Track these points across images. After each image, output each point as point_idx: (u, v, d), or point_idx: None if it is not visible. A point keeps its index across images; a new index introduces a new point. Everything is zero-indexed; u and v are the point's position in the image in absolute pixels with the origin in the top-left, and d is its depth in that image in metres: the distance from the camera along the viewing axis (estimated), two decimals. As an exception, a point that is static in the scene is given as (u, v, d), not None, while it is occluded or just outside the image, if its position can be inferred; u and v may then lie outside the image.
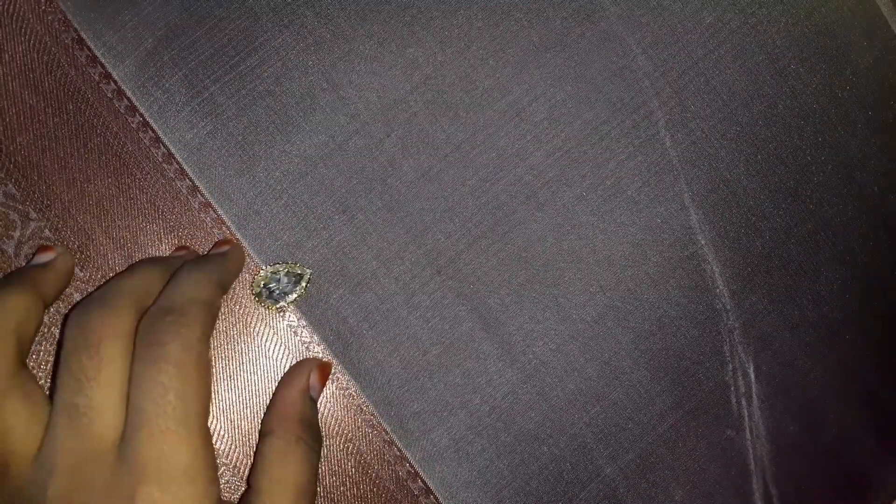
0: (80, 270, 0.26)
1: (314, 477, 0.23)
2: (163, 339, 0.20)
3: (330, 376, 0.27)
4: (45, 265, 0.24)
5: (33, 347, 0.25)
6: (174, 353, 0.20)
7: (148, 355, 0.20)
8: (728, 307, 0.30)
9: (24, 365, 0.21)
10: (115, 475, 0.19)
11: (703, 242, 0.30)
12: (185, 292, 0.22)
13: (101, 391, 0.20)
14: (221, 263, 0.25)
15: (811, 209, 0.31)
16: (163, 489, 0.19)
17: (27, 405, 0.20)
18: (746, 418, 0.30)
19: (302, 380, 0.25)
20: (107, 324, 0.20)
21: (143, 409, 0.19)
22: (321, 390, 0.26)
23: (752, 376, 0.30)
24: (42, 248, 0.25)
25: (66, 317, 0.26)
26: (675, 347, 0.30)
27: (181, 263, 0.24)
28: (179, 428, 0.19)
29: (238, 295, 0.27)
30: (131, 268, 0.24)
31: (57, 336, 0.26)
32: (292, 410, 0.24)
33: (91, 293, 0.23)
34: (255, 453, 0.24)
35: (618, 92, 0.29)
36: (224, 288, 0.24)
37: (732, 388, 0.30)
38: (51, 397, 0.21)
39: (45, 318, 0.26)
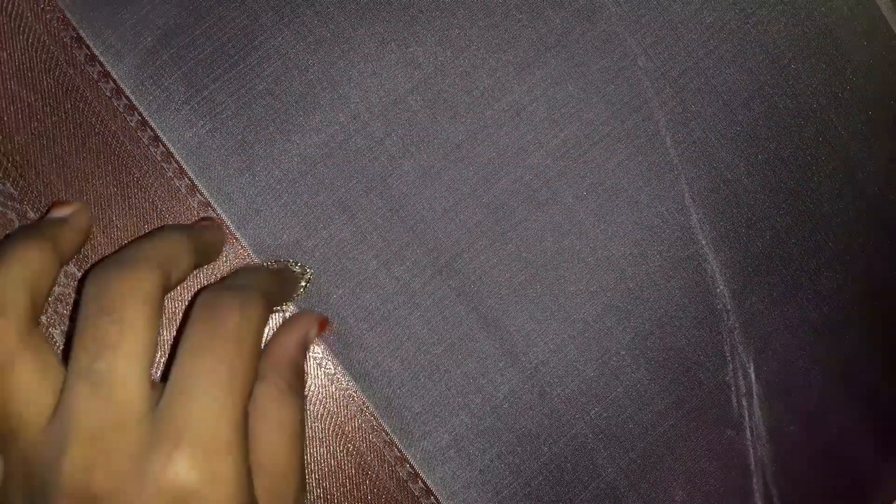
0: (78, 270, 0.26)
1: (304, 425, 0.23)
2: (225, 310, 0.20)
3: (330, 377, 0.27)
4: (61, 220, 0.22)
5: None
6: (234, 326, 0.19)
7: (206, 322, 0.19)
8: (728, 307, 0.30)
9: (37, 324, 0.19)
10: (146, 442, 0.18)
11: (703, 242, 0.30)
12: (251, 279, 0.22)
13: (124, 357, 0.18)
14: (283, 275, 0.25)
15: (811, 209, 0.31)
16: (200, 458, 0.18)
17: (39, 368, 0.19)
18: (747, 418, 0.30)
19: (302, 330, 0.25)
20: (130, 286, 0.19)
21: (189, 373, 0.18)
22: (312, 342, 0.26)
23: (753, 376, 0.30)
24: (57, 204, 0.23)
25: (82, 278, 0.25)
26: (675, 347, 0.30)
27: (203, 232, 0.24)
28: (226, 401, 0.18)
29: (237, 295, 0.27)
30: (154, 231, 0.22)
31: (56, 338, 0.26)
32: (288, 359, 0.24)
33: (111, 255, 0.21)
34: None
35: (618, 92, 0.29)
36: (279, 295, 0.24)
37: (733, 388, 0.30)
38: (64, 363, 0.20)
39: (44, 319, 0.25)
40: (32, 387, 0.19)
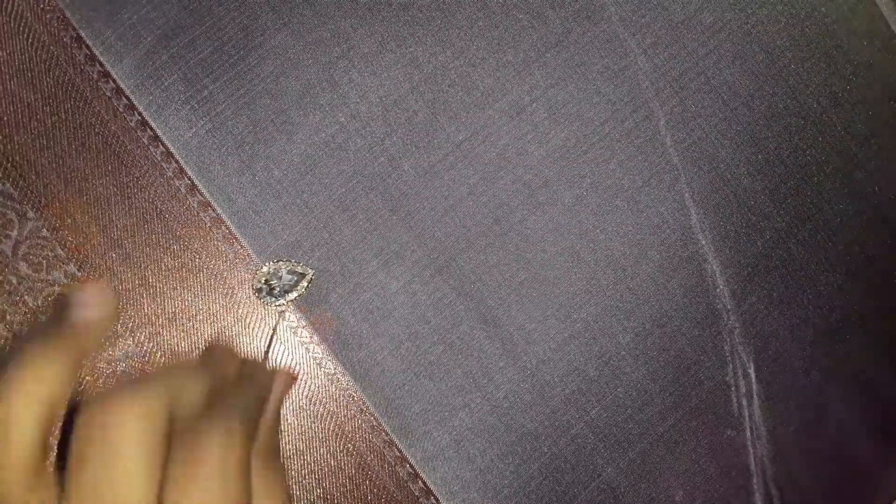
0: (78, 270, 0.26)
1: (289, 489, 0.23)
2: (205, 445, 0.19)
3: (330, 377, 0.27)
4: (87, 317, 0.20)
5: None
6: (216, 452, 0.19)
7: (188, 452, 0.19)
8: (728, 307, 0.30)
9: (46, 459, 0.18)
10: None
11: (703, 242, 0.30)
12: (227, 404, 0.21)
13: (126, 488, 0.17)
14: (253, 385, 0.24)
15: (811, 209, 0.31)
16: None
17: None
18: (747, 418, 0.30)
19: (276, 393, 0.24)
20: (135, 413, 0.18)
21: None
22: (284, 400, 0.25)
23: (753, 376, 0.30)
24: (84, 288, 0.20)
25: (82, 403, 0.24)
26: (675, 347, 0.30)
27: (218, 366, 0.24)
28: None
29: (238, 295, 0.27)
30: (166, 367, 0.22)
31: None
32: (265, 426, 0.23)
33: (119, 382, 0.21)
34: None
35: (618, 92, 0.29)
36: (257, 410, 0.24)
37: (733, 388, 0.30)
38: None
39: (33, 304, 0.25)
40: None
